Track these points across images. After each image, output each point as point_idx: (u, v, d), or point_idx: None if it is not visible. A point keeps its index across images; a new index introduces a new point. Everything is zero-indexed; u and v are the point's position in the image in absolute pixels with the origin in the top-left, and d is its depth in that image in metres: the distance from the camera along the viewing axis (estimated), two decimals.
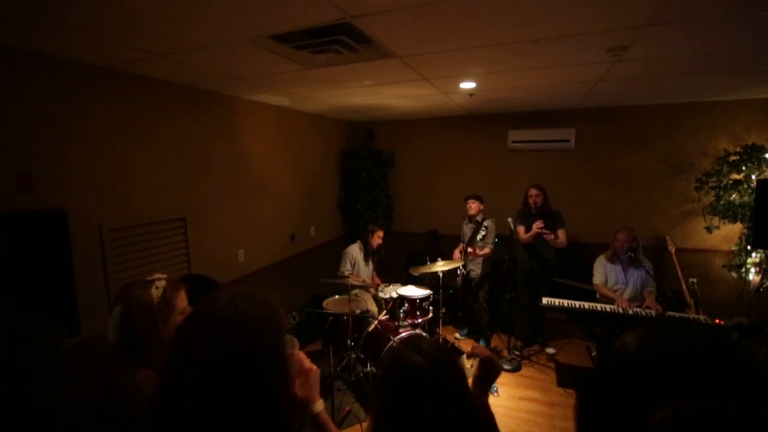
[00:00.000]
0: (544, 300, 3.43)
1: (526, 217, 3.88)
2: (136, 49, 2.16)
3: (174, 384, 0.67)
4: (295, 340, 0.92)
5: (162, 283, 1.31)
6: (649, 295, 3.32)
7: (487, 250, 3.96)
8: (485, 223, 3.97)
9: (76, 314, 2.01)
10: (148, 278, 1.32)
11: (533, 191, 3.87)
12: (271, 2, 1.62)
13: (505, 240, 4.33)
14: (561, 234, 3.82)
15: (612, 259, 3.52)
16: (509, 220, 3.86)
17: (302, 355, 0.98)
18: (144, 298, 1.25)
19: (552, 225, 3.81)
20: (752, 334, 1.11)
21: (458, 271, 4.05)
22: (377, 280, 4.22)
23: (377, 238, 4.10)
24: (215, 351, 0.68)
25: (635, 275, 3.43)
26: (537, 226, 3.72)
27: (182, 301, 1.35)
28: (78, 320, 2.02)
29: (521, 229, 3.90)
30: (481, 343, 4.13)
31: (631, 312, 3.18)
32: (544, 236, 3.71)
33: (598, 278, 3.57)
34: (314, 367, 0.99)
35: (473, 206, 4.08)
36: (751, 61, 2.63)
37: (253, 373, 0.68)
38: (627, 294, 3.41)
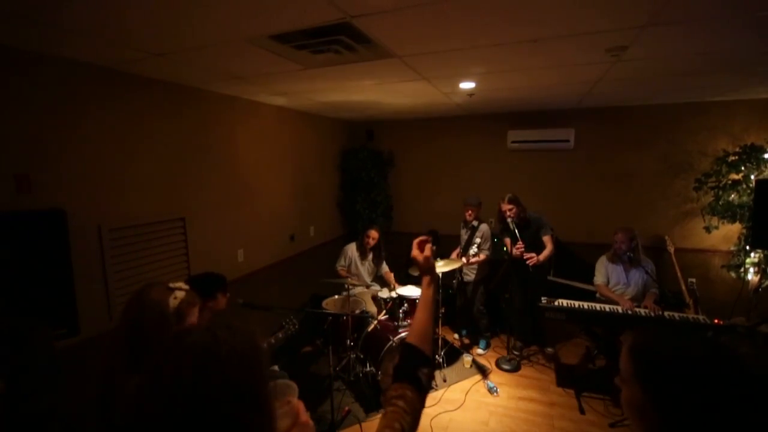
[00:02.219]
0: (543, 300, 3.43)
1: (507, 230, 3.76)
2: (135, 49, 2.16)
3: (145, 415, 0.64)
4: (295, 385, 0.87)
5: (181, 294, 1.32)
6: (650, 296, 3.31)
7: (481, 257, 3.93)
8: (480, 228, 3.96)
9: (75, 314, 2.01)
10: (171, 285, 1.32)
11: (506, 206, 3.69)
12: (271, 2, 1.62)
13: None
14: (546, 241, 3.75)
15: (613, 260, 3.52)
16: (509, 220, 3.86)
17: (300, 407, 0.91)
18: (161, 304, 1.25)
19: (534, 235, 3.75)
20: (724, 334, 1.15)
21: (454, 277, 4.06)
22: (391, 279, 4.19)
23: (367, 238, 4.09)
24: (188, 381, 0.63)
25: (637, 275, 3.42)
26: (517, 249, 3.62)
27: (194, 317, 1.35)
28: (77, 320, 2.02)
29: (508, 241, 3.84)
30: (481, 344, 4.12)
31: (630, 312, 3.18)
32: (527, 262, 3.58)
33: (599, 278, 3.56)
34: (311, 422, 0.91)
35: (471, 213, 4.06)
36: (750, 61, 2.63)
37: (227, 407, 0.64)
38: (629, 294, 3.41)
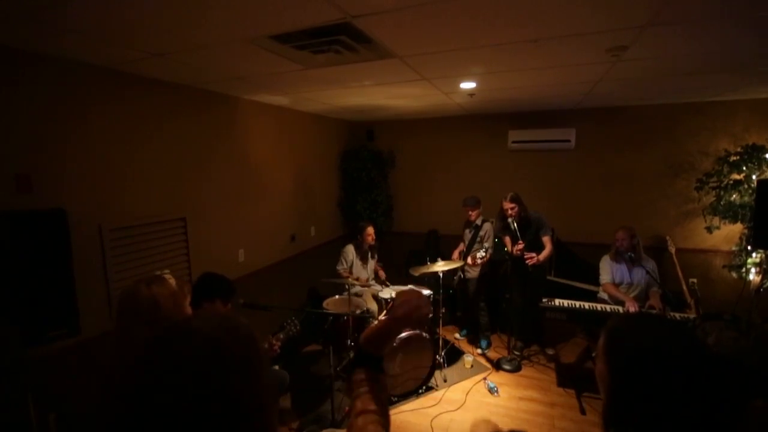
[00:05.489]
0: (544, 300, 3.42)
1: (508, 229, 3.75)
2: (135, 49, 2.16)
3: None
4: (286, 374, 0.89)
5: (169, 275, 1.43)
6: (654, 294, 3.31)
7: (485, 255, 3.91)
8: (483, 228, 3.96)
9: (76, 314, 2.01)
10: (157, 273, 1.43)
11: (508, 205, 3.69)
12: (271, 2, 1.62)
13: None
14: (546, 242, 3.74)
15: (616, 258, 3.51)
16: (509, 220, 3.85)
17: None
18: (168, 287, 1.36)
19: (534, 235, 3.74)
20: (709, 320, 1.24)
21: (456, 274, 4.05)
22: (382, 274, 4.22)
23: (367, 236, 4.07)
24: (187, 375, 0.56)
25: (640, 274, 3.41)
26: (518, 248, 3.62)
27: (187, 301, 1.45)
28: (78, 320, 2.02)
29: (507, 240, 3.85)
30: (482, 343, 4.12)
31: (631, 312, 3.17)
32: (527, 261, 3.58)
33: (605, 277, 3.53)
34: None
35: (473, 214, 4.05)
36: (750, 61, 2.63)
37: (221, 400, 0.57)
38: (633, 293, 3.40)
